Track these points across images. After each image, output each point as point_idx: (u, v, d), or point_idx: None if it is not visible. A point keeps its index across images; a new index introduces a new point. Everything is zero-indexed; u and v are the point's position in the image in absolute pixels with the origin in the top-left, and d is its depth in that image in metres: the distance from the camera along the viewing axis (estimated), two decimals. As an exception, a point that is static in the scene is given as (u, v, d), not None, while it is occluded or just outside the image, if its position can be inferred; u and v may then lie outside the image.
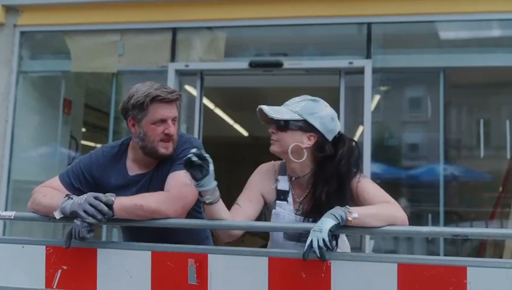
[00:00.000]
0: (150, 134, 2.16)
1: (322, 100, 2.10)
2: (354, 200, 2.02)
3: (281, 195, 2.12)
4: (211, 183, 1.86)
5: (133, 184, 2.22)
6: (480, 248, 5.51)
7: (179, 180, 2.09)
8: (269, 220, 2.13)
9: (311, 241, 1.76)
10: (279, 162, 2.19)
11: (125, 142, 2.34)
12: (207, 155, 1.83)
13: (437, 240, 5.14)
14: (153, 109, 2.14)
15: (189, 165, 1.81)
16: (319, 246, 1.75)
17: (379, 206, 1.91)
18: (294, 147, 2.01)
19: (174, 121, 2.19)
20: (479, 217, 5.75)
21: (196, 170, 1.82)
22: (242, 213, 2.02)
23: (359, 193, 2.01)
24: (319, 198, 2.01)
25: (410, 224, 1.95)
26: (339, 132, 2.09)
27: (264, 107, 2.04)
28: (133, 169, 2.27)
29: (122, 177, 2.25)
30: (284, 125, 2.03)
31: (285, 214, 2.09)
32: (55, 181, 2.25)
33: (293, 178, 2.11)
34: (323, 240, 1.74)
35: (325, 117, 2.05)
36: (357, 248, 5.05)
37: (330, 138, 2.05)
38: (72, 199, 1.98)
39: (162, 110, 2.14)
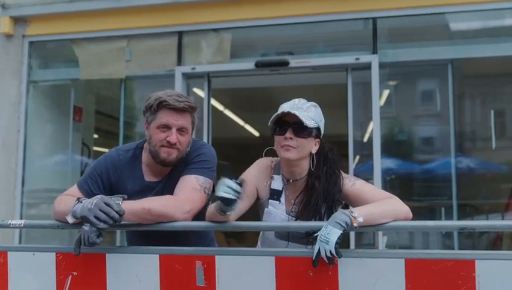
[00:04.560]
0: (154, 138, 2.17)
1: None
2: (349, 201, 2.04)
3: (274, 194, 2.13)
4: (236, 207, 1.85)
5: (148, 190, 2.23)
6: (497, 240, 5.44)
7: (189, 184, 2.10)
8: (262, 216, 2.14)
9: (319, 250, 1.77)
10: (276, 159, 2.19)
11: (140, 145, 2.34)
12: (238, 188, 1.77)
13: (451, 234, 5.09)
14: (160, 114, 2.16)
15: (226, 203, 1.77)
16: (326, 256, 1.76)
17: (381, 203, 1.91)
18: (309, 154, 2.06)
19: (182, 132, 2.17)
20: (494, 209, 5.68)
21: (228, 204, 1.79)
22: (237, 209, 1.99)
23: (356, 196, 2.01)
24: (312, 191, 2.04)
25: (423, 218, 1.94)
26: None
27: (297, 113, 1.97)
28: (148, 174, 2.27)
29: (138, 182, 2.26)
30: (307, 133, 2.02)
31: (277, 213, 2.10)
32: (74, 189, 2.26)
33: (291, 180, 2.12)
34: (330, 251, 1.74)
35: (323, 122, 2.11)
36: (371, 244, 5.03)
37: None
38: (81, 202, 1.98)
39: (167, 117, 2.14)
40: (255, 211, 2.23)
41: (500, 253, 1.79)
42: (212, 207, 2.01)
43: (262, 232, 2.30)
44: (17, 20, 5.79)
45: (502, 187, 5.60)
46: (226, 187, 1.74)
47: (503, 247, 5.32)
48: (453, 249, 5.00)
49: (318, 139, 2.07)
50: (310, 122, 1.98)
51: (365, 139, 5.48)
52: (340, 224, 1.76)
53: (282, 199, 2.12)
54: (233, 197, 1.75)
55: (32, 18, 5.77)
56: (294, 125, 1.99)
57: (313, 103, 2.08)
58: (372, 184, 4.66)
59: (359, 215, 1.80)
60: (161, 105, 2.14)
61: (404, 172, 5.55)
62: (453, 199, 4.96)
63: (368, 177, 4.84)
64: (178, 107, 2.13)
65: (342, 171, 2.10)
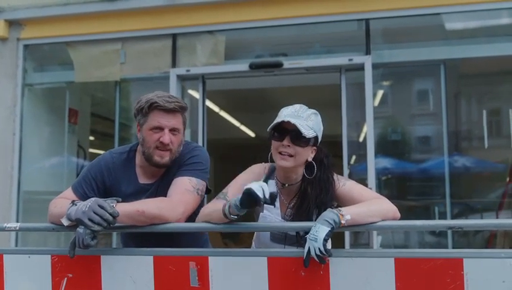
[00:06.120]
0: (147, 140, 2.20)
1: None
2: (340, 202, 2.06)
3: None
4: (243, 213, 1.90)
5: (142, 192, 2.24)
6: (490, 238, 5.49)
7: (182, 186, 2.12)
8: (257, 221, 2.16)
9: (309, 249, 1.79)
10: (268, 164, 2.20)
11: (133, 147, 2.36)
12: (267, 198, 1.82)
13: (446, 233, 5.13)
14: (152, 115, 2.18)
15: (250, 199, 1.80)
16: (316, 254, 1.78)
17: (369, 203, 1.94)
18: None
19: (174, 132, 2.19)
20: (488, 208, 5.72)
21: (251, 204, 1.83)
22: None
23: (346, 196, 2.04)
24: (304, 196, 2.06)
25: (417, 218, 1.97)
26: None
27: (297, 123, 1.98)
28: (142, 177, 2.29)
29: (132, 184, 2.28)
30: (304, 142, 2.02)
31: (272, 217, 2.12)
32: (69, 192, 2.27)
33: (286, 185, 2.14)
34: (319, 249, 1.76)
35: (322, 130, 2.11)
36: (366, 244, 5.06)
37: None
38: (76, 205, 2.00)
39: (159, 118, 2.17)
40: (250, 215, 2.25)
41: (487, 251, 1.83)
42: (208, 208, 2.03)
43: (256, 236, 2.31)
44: (12, 24, 5.80)
45: (496, 186, 5.64)
46: (259, 186, 1.79)
47: (497, 245, 5.35)
48: (447, 248, 5.03)
49: (315, 147, 2.08)
50: (308, 133, 1.98)
51: (361, 139, 5.52)
52: (328, 221, 1.79)
53: (277, 203, 2.13)
54: (260, 196, 1.77)
55: (27, 21, 5.79)
56: (292, 132, 2.00)
57: (314, 111, 2.08)
58: (367, 184, 4.73)
59: (347, 213, 1.83)
60: (152, 107, 2.17)
61: (398, 171, 5.58)
62: (446, 198, 5.00)
63: (363, 177, 4.88)
64: (169, 108, 2.16)
65: (334, 173, 2.13)
